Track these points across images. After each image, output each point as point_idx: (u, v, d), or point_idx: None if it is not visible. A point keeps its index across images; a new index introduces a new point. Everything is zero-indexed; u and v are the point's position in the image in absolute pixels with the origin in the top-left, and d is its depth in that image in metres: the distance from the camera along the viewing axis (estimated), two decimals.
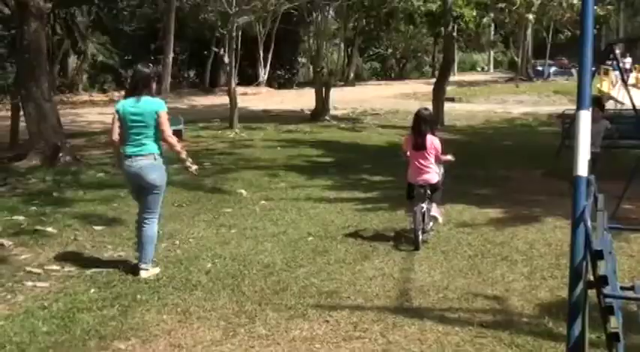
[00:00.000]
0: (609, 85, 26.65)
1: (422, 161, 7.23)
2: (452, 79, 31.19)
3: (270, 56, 40.36)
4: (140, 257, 6.20)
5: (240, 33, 31.20)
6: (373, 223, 8.23)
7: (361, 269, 6.36)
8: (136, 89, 5.99)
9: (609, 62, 22.02)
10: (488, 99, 31.09)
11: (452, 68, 29.13)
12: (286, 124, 20.64)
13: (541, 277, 6.14)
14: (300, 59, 48.27)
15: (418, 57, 56.57)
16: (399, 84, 42.97)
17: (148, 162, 5.96)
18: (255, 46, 38.64)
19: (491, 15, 27.38)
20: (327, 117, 22.44)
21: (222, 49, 22.42)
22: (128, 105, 5.96)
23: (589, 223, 3.03)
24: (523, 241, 7.37)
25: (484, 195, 10.12)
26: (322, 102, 22.84)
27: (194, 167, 6.22)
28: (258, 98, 31.58)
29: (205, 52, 38.81)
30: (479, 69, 62.05)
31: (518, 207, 9.16)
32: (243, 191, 10.22)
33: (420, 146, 7.18)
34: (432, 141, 7.20)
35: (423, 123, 7.20)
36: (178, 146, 6.08)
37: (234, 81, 20.87)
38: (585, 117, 3.19)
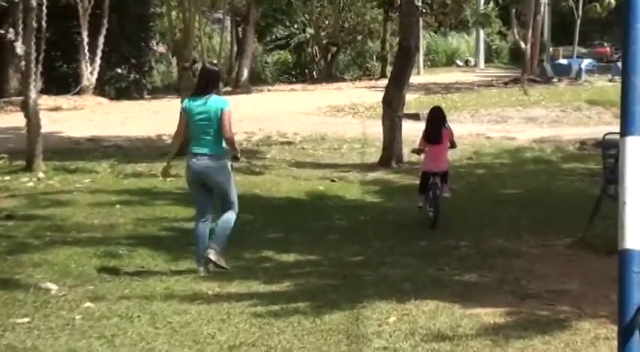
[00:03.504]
0: None
1: (438, 152, 13.59)
2: (415, 80, 31.84)
3: (100, 43, 40.21)
4: (213, 240, 10.09)
5: (45, 1, 31.04)
6: (283, 338, 8.18)
7: None
8: (206, 88, 10.04)
9: None
10: (477, 115, 31.86)
11: (415, 62, 29.66)
12: (132, 162, 20.63)
13: None
14: (155, 47, 48.35)
15: (358, 42, 57.23)
16: (326, 90, 43.53)
17: (212, 163, 10.01)
18: (74, 24, 38.51)
19: None
20: None
21: (11, 31, 22.12)
22: (195, 105, 10.00)
23: None
24: None
25: (472, 283, 10.22)
26: None
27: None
28: (80, 116, 31.38)
29: None
30: (460, 63, 63.61)
31: (531, 303, 9.27)
32: (51, 285, 10.03)
33: (436, 140, 13.48)
34: (447, 133, 13.61)
35: (438, 120, 13.67)
36: (237, 149, 10.56)
37: (34, 86, 20.62)
38: (636, 147, 3.18)
